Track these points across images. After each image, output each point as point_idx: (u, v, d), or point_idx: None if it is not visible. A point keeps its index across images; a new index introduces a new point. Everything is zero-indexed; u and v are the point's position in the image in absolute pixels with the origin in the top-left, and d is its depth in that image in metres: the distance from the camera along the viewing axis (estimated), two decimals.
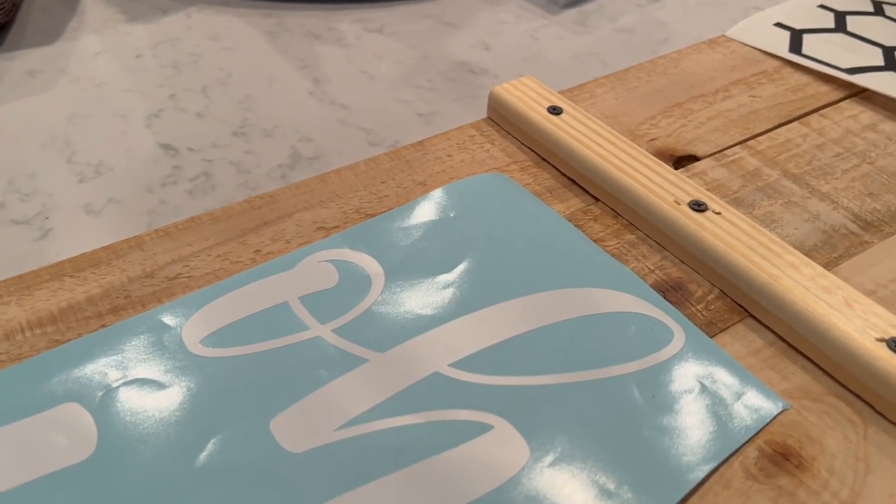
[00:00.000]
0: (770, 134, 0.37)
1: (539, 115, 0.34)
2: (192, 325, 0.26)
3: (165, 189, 0.34)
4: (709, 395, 0.25)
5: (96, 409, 0.23)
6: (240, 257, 0.29)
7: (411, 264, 0.29)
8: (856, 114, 0.38)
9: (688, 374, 0.25)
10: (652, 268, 0.29)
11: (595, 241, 0.30)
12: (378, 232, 0.30)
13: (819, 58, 0.39)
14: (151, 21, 0.47)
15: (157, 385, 0.24)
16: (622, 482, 0.22)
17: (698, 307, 0.28)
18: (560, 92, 0.38)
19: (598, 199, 0.32)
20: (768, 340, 0.27)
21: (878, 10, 0.43)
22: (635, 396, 0.25)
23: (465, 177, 0.33)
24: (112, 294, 0.27)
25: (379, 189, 0.32)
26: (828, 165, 0.35)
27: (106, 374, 0.24)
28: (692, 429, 0.24)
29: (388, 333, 0.26)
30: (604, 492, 0.22)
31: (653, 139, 0.36)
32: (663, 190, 0.31)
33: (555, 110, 0.35)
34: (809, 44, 0.39)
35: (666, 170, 0.32)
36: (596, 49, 0.46)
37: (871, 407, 0.25)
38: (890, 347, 0.25)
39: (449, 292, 0.28)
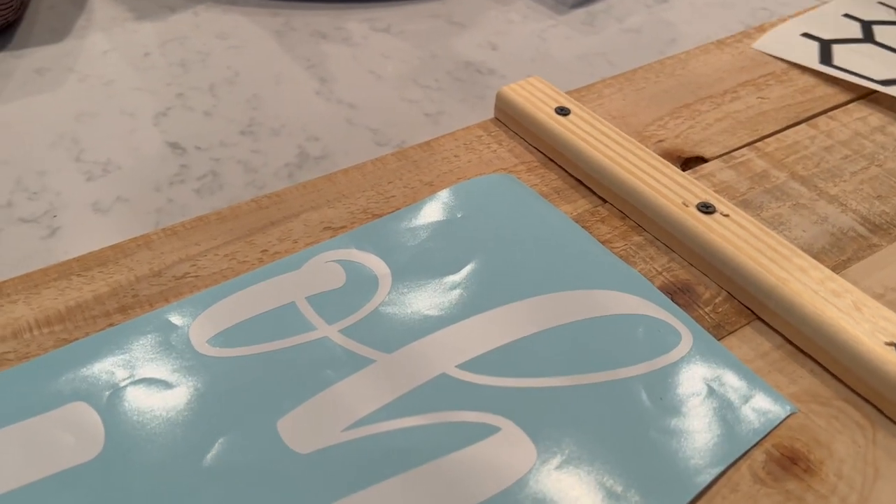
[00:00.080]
0: (778, 136, 0.36)
1: (546, 116, 0.34)
2: (200, 324, 0.26)
3: (173, 188, 0.34)
4: (716, 398, 0.25)
5: (104, 408, 0.23)
6: (247, 257, 0.29)
7: (418, 265, 0.29)
8: (864, 116, 0.38)
9: (695, 377, 0.25)
10: (660, 270, 0.29)
11: (602, 242, 0.30)
12: (385, 232, 0.30)
13: (851, 69, 0.39)
14: (159, 19, 0.47)
15: (165, 385, 0.24)
16: (629, 485, 0.22)
17: (706, 309, 0.28)
18: (567, 92, 0.38)
19: (605, 201, 0.32)
20: (776, 343, 0.27)
21: None
22: (643, 399, 0.24)
23: (473, 177, 0.33)
24: (119, 293, 0.27)
25: (386, 189, 0.32)
26: (836, 168, 0.35)
27: (113, 373, 0.24)
28: (700, 432, 0.24)
29: (395, 334, 0.26)
30: (611, 494, 0.22)
31: (660, 140, 0.36)
32: (671, 192, 0.30)
33: (562, 111, 0.34)
34: (839, 55, 0.39)
35: (674, 171, 0.32)
36: (603, 49, 0.46)
37: (880, 411, 0.25)
38: None
39: (456, 293, 0.28)
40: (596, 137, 0.33)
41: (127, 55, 0.43)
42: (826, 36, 0.41)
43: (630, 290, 0.28)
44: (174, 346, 0.25)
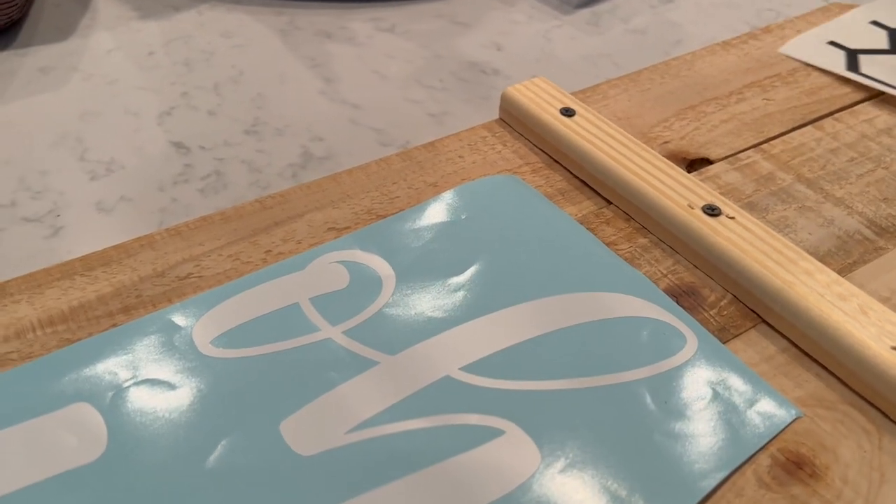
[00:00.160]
0: (784, 137, 0.36)
1: (551, 117, 0.34)
2: (203, 325, 0.26)
3: (177, 187, 0.34)
4: (721, 402, 0.24)
5: (106, 409, 0.23)
6: (251, 257, 0.29)
7: (422, 266, 0.29)
8: (871, 118, 0.38)
9: (700, 381, 0.25)
10: (665, 272, 0.29)
11: (607, 244, 0.30)
12: (389, 233, 0.30)
13: (879, 78, 0.39)
14: (164, 18, 0.47)
15: (168, 386, 0.24)
16: (633, 489, 0.22)
17: (711, 312, 0.28)
18: (572, 93, 0.38)
19: (610, 202, 0.32)
20: (781, 347, 0.27)
21: None
22: (647, 402, 0.24)
23: (477, 178, 0.33)
24: (123, 293, 0.27)
25: (390, 190, 0.32)
26: (842, 170, 0.34)
27: (116, 374, 0.24)
28: (704, 436, 0.24)
29: (398, 336, 0.26)
30: (615, 498, 0.22)
31: (666, 142, 0.36)
32: (676, 194, 0.30)
33: (567, 112, 0.34)
34: (866, 64, 0.39)
35: (679, 173, 0.31)
36: (608, 50, 0.46)
37: (886, 416, 0.25)
38: None
39: (460, 295, 0.28)
40: (601, 139, 0.33)
41: (131, 54, 0.43)
42: (852, 45, 0.41)
43: (635, 293, 0.28)
44: (177, 346, 0.25)
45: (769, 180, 0.34)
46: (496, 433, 0.23)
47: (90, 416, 0.23)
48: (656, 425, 0.24)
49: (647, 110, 0.38)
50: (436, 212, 0.31)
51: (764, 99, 0.39)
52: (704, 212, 0.30)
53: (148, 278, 0.28)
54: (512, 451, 0.23)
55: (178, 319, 0.26)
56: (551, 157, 0.34)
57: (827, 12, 0.46)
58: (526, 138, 0.35)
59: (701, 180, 0.33)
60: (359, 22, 0.47)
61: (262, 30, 0.46)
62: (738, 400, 0.25)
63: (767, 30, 0.44)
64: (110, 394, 0.24)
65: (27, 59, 0.42)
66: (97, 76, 0.41)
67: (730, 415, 0.24)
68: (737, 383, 0.25)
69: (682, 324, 0.27)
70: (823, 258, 0.30)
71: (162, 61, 0.43)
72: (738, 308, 0.28)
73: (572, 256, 0.29)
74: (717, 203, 0.30)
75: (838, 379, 0.26)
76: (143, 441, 0.23)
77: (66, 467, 0.22)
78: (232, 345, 0.26)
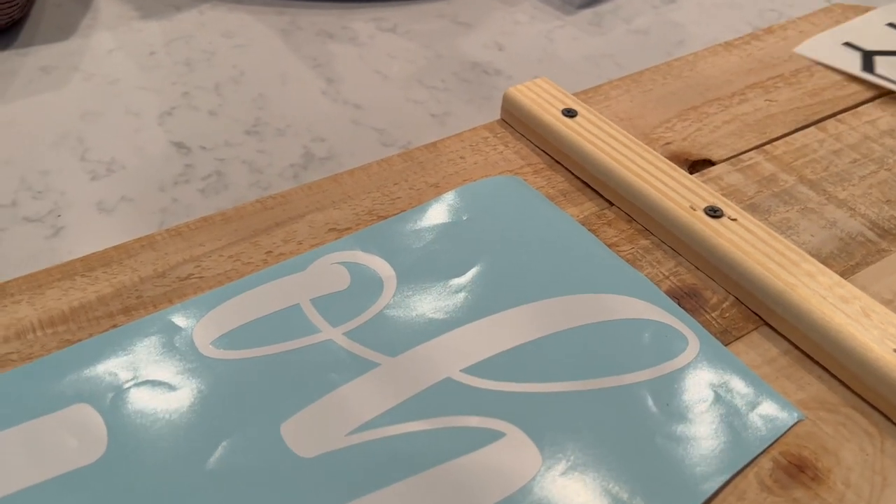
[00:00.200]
0: (786, 139, 0.36)
1: (553, 118, 0.34)
2: (203, 326, 0.26)
3: (178, 188, 0.34)
4: (723, 405, 0.24)
5: (107, 410, 0.23)
6: (251, 258, 0.29)
7: (423, 267, 0.28)
8: (874, 119, 0.38)
9: (702, 383, 0.25)
10: (666, 274, 0.29)
11: (609, 245, 0.30)
12: (390, 234, 0.30)
13: (894, 78, 0.39)
14: (165, 18, 0.46)
15: (168, 387, 0.24)
16: (635, 492, 0.22)
17: (713, 314, 0.28)
18: (574, 94, 0.38)
19: (612, 204, 0.32)
20: (783, 349, 0.27)
21: None
22: (649, 405, 0.24)
23: (478, 179, 0.33)
24: (123, 294, 0.27)
25: (391, 191, 0.32)
26: (845, 171, 0.34)
27: (117, 375, 0.24)
28: (706, 438, 0.23)
29: (399, 337, 0.26)
30: (616, 501, 0.22)
31: (668, 143, 0.35)
32: (678, 195, 0.30)
33: (569, 113, 0.34)
34: (881, 65, 0.39)
35: (681, 174, 0.31)
36: (611, 50, 0.46)
37: (889, 419, 0.25)
38: None
39: (461, 296, 0.27)
40: (603, 140, 0.33)
41: (132, 54, 0.43)
42: (868, 47, 0.41)
43: (636, 295, 0.28)
44: (178, 348, 0.25)
45: (771, 182, 0.34)
46: (497, 435, 0.23)
47: (90, 418, 0.23)
48: (658, 428, 0.24)
49: (649, 111, 0.37)
50: (437, 212, 0.31)
51: (766, 100, 0.39)
52: (706, 213, 0.30)
53: (148, 279, 0.28)
54: (513, 453, 0.23)
55: (179, 320, 0.26)
56: (553, 158, 0.34)
57: (829, 13, 0.46)
58: (528, 139, 0.35)
59: (703, 181, 0.33)
60: (360, 22, 0.47)
61: (263, 30, 0.46)
62: (739, 402, 0.24)
63: (770, 30, 0.44)
64: (110, 395, 0.24)
65: (28, 59, 0.42)
66: (98, 76, 0.41)
67: (731, 417, 0.24)
68: (739, 386, 0.25)
69: (683, 326, 0.27)
70: (826, 260, 0.30)
71: (163, 61, 0.43)
72: (741, 310, 0.28)
73: (574, 258, 0.29)
74: (720, 204, 0.30)
75: (840, 382, 0.26)
76: (143, 442, 0.23)
77: (66, 468, 0.22)
78: (232, 346, 0.25)
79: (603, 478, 0.22)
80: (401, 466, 0.22)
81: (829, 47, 0.42)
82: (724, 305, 0.28)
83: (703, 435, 0.24)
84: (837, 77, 0.40)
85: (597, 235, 0.30)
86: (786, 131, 0.37)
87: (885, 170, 0.35)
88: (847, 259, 0.30)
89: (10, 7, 0.42)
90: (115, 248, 0.29)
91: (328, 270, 0.28)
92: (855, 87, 0.40)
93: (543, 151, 0.35)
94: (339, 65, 0.43)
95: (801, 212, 0.32)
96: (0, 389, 0.24)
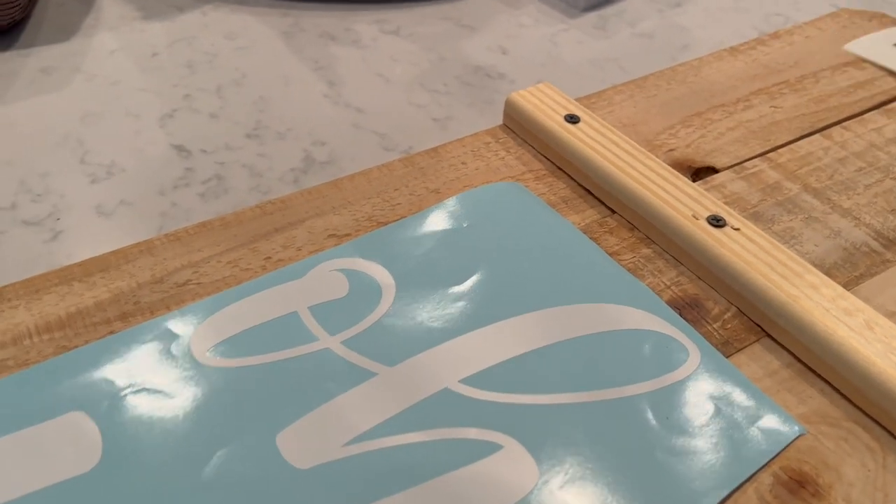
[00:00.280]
0: (791, 146, 0.36)
1: (555, 124, 0.34)
2: (201, 333, 0.26)
3: (177, 191, 0.34)
4: (724, 418, 0.24)
5: (102, 418, 0.23)
6: (250, 264, 0.29)
7: (423, 275, 0.28)
8: (879, 127, 0.37)
9: (702, 396, 0.25)
10: (668, 283, 0.29)
11: (610, 254, 0.30)
12: (390, 241, 0.30)
13: None
14: (167, 18, 0.46)
15: (164, 395, 0.24)
16: None
17: (714, 325, 0.27)
18: (577, 99, 0.38)
19: (614, 211, 0.32)
20: (785, 362, 0.26)
21: None
22: (648, 418, 0.24)
23: (480, 185, 0.33)
24: (121, 300, 0.27)
25: (392, 196, 0.32)
26: (850, 180, 0.34)
27: (112, 382, 0.24)
28: (706, 452, 0.23)
29: (397, 346, 0.26)
30: None
31: (671, 149, 0.35)
32: (681, 204, 0.30)
33: (572, 119, 0.34)
34: None
35: (684, 182, 0.31)
36: (615, 54, 0.45)
37: (891, 434, 0.24)
38: None
39: (460, 305, 0.27)
40: (605, 146, 0.33)
41: (134, 55, 0.43)
42: None
43: (637, 305, 0.27)
44: (174, 355, 0.25)
45: (775, 190, 0.33)
46: (494, 448, 0.23)
47: (85, 426, 0.23)
48: (657, 441, 0.23)
49: (652, 117, 0.37)
50: (437, 219, 0.31)
51: (771, 106, 0.38)
52: (709, 222, 0.29)
53: (146, 285, 0.28)
54: (510, 466, 0.23)
55: (176, 327, 0.26)
56: (555, 165, 0.34)
57: (836, 17, 0.46)
58: (530, 145, 0.35)
59: (706, 189, 0.32)
60: (364, 24, 0.47)
61: (265, 31, 0.46)
62: (740, 416, 0.24)
63: (776, 35, 0.44)
64: (106, 403, 0.24)
65: (30, 60, 0.42)
66: (100, 77, 0.41)
67: (732, 431, 0.24)
68: (739, 399, 0.25)
69: (684, 337, 0.27)
70: (829, 271, 0.30)
71: (165, 63, 0.43)
72: (743, 321, 0.28)
73: (575, 266, 0.29)
74: (723, 213, 0.30)
75: (843, 395, 0.25)
76: (138, 451, 0.22)
77: (60, 478, 0.22)
78: (229, 354, 0.25)
79: (601, 492, 0.22)
80: (397, 478, 0.22)
81: (879, 47, 0.42)
82: (726, 316, 0.28)
83: (702, 449, 0.23)
84: (843, 83, 0.40)
85: (598, 243, 0.30)
86: (790, 138, 0.36)
87: (891, 178, 0.34)
88: (851, 270, 0.30)
89: (11, 8, 0.42)
90: (114, 253, 0.29)
91: (327, 277, 0.28)
92: (861, 93, 0.39)
93: (545, 157, 0.34)
94: (342, 68, 0.43)
95: (805, 221, 0.32)
96: None
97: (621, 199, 0.31)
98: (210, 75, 0.42)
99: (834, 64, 0.41)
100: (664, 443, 0.23)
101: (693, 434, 0.24)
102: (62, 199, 0.33)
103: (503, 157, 0.34)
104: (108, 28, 0.45)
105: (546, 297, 0.28)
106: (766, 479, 0.23)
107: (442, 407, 0.24)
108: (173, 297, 0.27)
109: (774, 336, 0.27)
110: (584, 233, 0.31)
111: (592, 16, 0.49)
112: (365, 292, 0.28)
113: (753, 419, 0.24)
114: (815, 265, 0.30)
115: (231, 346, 0.25)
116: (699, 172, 0.34)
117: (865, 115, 0.38)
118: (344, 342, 0.26)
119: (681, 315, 0.28)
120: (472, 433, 0.23)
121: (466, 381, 0.25)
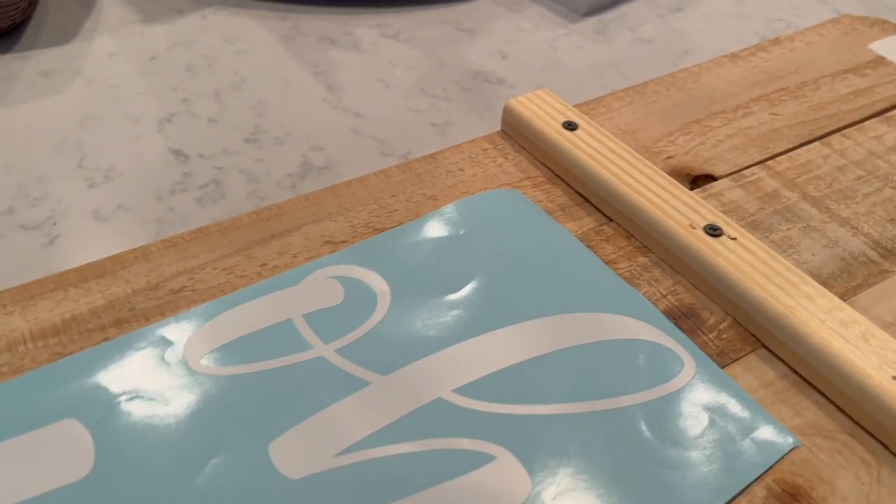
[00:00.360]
0: (790, 154, 0.36)
1: (553, 131, 0.34)
2: (195, 341, 0.26)
3: (174, 196, 0.34)
4: (718, 430, 0.24)
5: (95, 426, 0.23)
6: (245, 271, 0.29)
7: (419, 283, 0.28)
8: (879, 135, 0.37)
9: (697, 407, 0.25)
10: (664, 293, 0.29)
11: (607, 262, 0.30)
12: (386, 248, 0.29)
13: None
14: (167, 22, 0.46)
15: (158, 402, 0.24)
16: None
17: (710, 336, 0.27)
18: (576, 105, 0.38)
19: (611, 219, 0.32)
20: (781, 373, 0.26)
21: None
22: (642, 429, 0.24)
23: (477, 191, 0.32)
24: (116, 306, 0.27)
25: (389, 203, 0.32)
26: (849, 189, 0.34)
27: (106, 390, 0.24)
28: (699, 465, 0.23)
29: (392, 355, 0.26)
30: None
31: (669, 157, 0.35)
32: (678, 212, 0.30)
33: (570, 125, 0.34)
34: None
35: (682, 191, 0.31)
36: (615, 60, 0.45)
37: (886, 447, 0.24)
38: None
39: (456, 313, 0.27)
40: (603, 154, 0.32)
41: (134, 58, 0.43)
42: None
43: (633, 314, 0.27)
44: (168, 362, 0.25)
45: (774, 198, 0.33)
46: (487, 458, 0.23)
47: (78, 434, 0.23)
48: (651, 453, 0.23)
49: (651, 124, 0.37)
50: (434, 227, 0.31)
51: (771, 113, 0.38)
52: (706, 232, 0.29)
53: (141, 291, 0.28)
54: (503, 477, 0.22)
55: (170, 334, 0.26)
56: (553, 172, 0.34)
57: (838, 24, 0.46)
58: (528, 151, 0.35)
59: (704, 198, 0.32)
60: (363, 28, 0.47)
61: (265, 35, 0.46)
62: (734, 428, 0.24)
63: (777, 41, 0.44)
64: (99, 410, 0.24)
65: (29, 63, 0.42)
66: (99, 80, 0.41)
67: (726, 443, 0.24)
68: (734, 410, 0.25)
69: (680, 347, 0.26)
70: (827, 280, 0.29)
71: (164, 66, 0.43)
72: (738, 332, 0.28)
73: (571, 275, 0.29)
74: (719, 223, 0.30)
75: (838, 408, 0.25)
76: (130, 460, 0.22)
77: (52, 486, 0.22)
78: (223, 362, 0.25)
79: None
80: (389, 489, 0.22)
81: None
82: (722, 326, 0.28)
83: (696, 461, 0.23)
84: (844, 91, 0.40)
85: (595, 251, 0.30)
86: (790, 146, 0.36)
87: (890, 187, 0.34)
88: (848, 280, 0.30)
89: (11, 10, 0.42)
90: (109, 258, 0.29)
91: (322, 285, 0.28)
92: (861, 101, 0.39)
93: (543, 164, 0.34)
94: (341, 72, 0.43)
95: (803, 230, 0.32)
96: None
97: (618, 208, 0.31)
98: (209, 79, 0.42)
99: (834, 71, 0.41)
100: (658, 454, 0.23)
101: (687, 446, 0.24)
102: (59, 203, 0.33)
103: (501, 164, 0.34)
104: (108, 31, 0.45)
105: (541, 306, 0.28)
106: (759, 491, 0.23)
107: (435, 417, 0.24)
108: (168, 303, 0.27)
109: (770, 347, 0.27)
110: (581, 241, 0.31)
111: (593, 20, 0.49)
112: (360, 300, 0.27)
113: (748, 431, 0.24)
114: (813, 275, 0.29)
115: (225, 353, 0.25)
116: (697, 180, 0.34)
117: (865, 123, 0.38)
118: (338, 350, 0.26)
119: (676, 325, 0.27)
120: (465, 444, 0.23)
121: (460, 390, 0.25)
